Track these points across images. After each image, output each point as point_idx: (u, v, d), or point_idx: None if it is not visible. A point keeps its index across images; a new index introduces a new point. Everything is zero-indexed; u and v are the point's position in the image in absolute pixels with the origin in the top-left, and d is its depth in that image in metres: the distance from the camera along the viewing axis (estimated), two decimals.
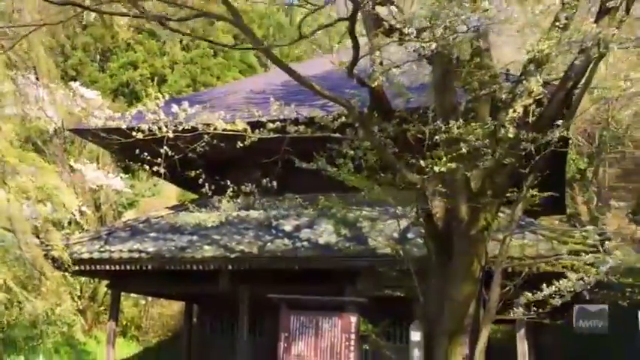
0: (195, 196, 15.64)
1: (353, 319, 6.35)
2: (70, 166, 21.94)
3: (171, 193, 24.49)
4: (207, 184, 10.83)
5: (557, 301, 6.65)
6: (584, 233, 9.44)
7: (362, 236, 12.20)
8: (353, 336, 6.30)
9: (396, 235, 12.02)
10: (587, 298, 7.11)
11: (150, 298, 21.61)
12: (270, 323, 14.66)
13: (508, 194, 7.21)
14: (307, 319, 6.52)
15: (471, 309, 7.18)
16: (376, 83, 6.88)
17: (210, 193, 10.77)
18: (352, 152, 8.95)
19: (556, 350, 15.95)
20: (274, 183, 11.04)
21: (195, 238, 13.34)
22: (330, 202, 9.35)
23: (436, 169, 6.37)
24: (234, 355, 12.95)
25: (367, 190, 8.78)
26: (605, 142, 19.78)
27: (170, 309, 21.62)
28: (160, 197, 24.09)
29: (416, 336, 5.88)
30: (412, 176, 7.17)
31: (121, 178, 22.16)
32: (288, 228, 13.21)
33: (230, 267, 12.40)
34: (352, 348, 6.26)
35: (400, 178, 7.58)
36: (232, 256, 12.24)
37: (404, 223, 12.41)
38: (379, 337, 8.22)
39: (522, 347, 11.02)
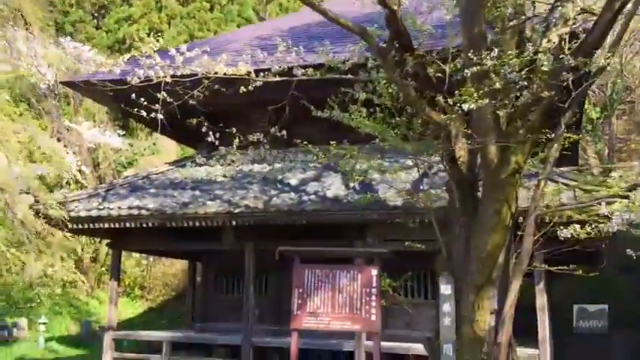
0: (196, 152, 14.93)
1: (374, 272, 5.71)
2: (67, 127, 21.22)
3: (170, 151, 23.77)
4: (208, 137, 10.14)
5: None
6: (610, 180, 8.76)
7: (372, 188, 11.54)
8: (374, 290, 5.68)
9: (407, 186, 11.37)
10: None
11: (152, 258, 21.12)
12: (277, 280, 14.15)
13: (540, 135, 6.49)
14: (323, 272, 5.89)
15: (500, 260, 6.54)
16: (396, 7, 6.10)
17: (215, 142, 10.07)
18: (365, 95, 8.20)
19: (566, 303, 15.50)
20: (281, 133, 10.34)
21: (197, 193, 12.68)
22: (342, 149, 8.59)
23: (465, 106, 5.62)
24: (239, 314, 12.43)
25: (382, 136, 8.04)
26: (617, 92, 18.95)
27: (173, 268, 21.14)
28: (160, 155, 23.36)
29: (446, 289, 5.26)
30: (436, 115, 6.44)
31: (118, 135, 21.39)
32: (294, 182, 12.52)
33: (234, 223, 11.76)
34: (374, 303, 5.64)
35: (421, 118, 6.86)
36: (236, 211, 11.59)
37: (416, 174, 11.76)
38: (397, 292, 7.63)
39: (542, 300, 10.50)
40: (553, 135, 6.47)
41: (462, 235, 6.84)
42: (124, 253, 20.97)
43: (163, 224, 12.07)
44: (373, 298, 5.67)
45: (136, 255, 20.92)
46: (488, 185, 6.42)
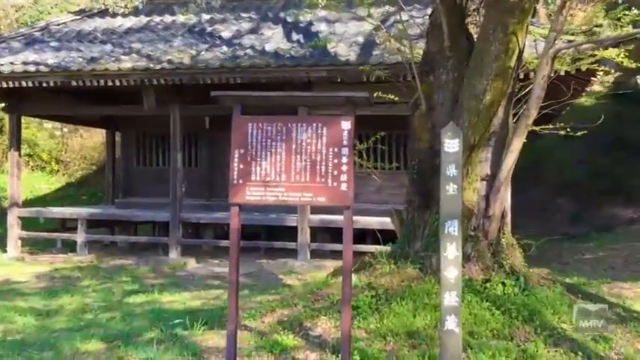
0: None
1: (345, 124, 4.00)
2: None
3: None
4: None
5: None
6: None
7: (319, 41, 9.61)
8: (345, 150, 3.99)
9: (360, 39, 9.53)
10: None
11: (66, 128, 18.66)
12: (208, 149, 12.32)
13: None
14: (274, 127, 4.13)
15: (499, 114, 4.98)
16: None
17: None
18: None
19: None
20: None
21: (108, 47, 10.38)
22: None
23: None
24: (166, 187, 10.66)
25: None
26: None
27: (92, 140, 18.81)
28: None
29: (452, 145, 3.64)
30: None
31: None
32: (226, 34, 10.39)
33: (155, 82, 9.66)
34: (344, 168, 3.98)
35: None
36: (157, 67, 9.47)
37: (368, 27, 9.89)
38: (365, 159, 6.07)
39: None
40: None
41: (450, 82, 5.19)
42: (34, 123, 18.41)
43: (68, 84, 9.80)
44: (344, 160, 4.00)
45: (49, 125, 18.39)
46: (494, 13, 4.68)
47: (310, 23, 10.18)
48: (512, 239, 5.39)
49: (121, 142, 13.27)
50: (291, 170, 4.11)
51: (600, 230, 13.91)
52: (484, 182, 5.14)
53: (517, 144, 4.90)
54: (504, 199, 5.15)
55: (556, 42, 4.58)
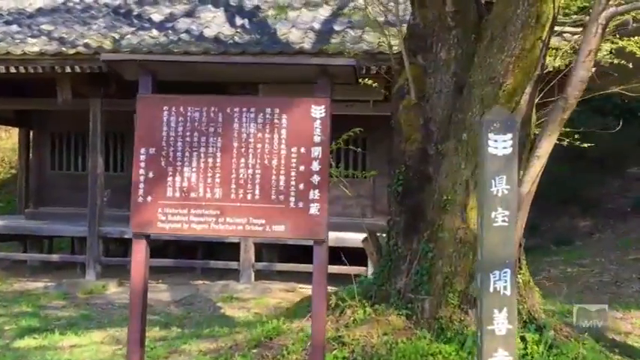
0: None
1: (318, 110, 2.43)
2: None
3: None
4: None
5: None
6: None
7: (267, 27, 8.05)
8: (318, 151, 2.43)
9: (316, 25, 8.02)
10: None
11: None
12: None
13: None
14: (203, 113, 2.55)
15: (522, 104, 3.54)
16: None
17: None
18: None
19: None
20: None
21: (14, 28, 8.48)
22: None
23: None
24: (85, 196, 8.80)
25: None
26: None
27: (11, 141, 16.51)
28: None
29: (502, 144, 2.14)
30: None
31: None
32: (157, 17, 8.65)
33: (70, 70, 7.82)
34: (316, 178, 2.41)
35: None
36: (71, 51, 7.65)
37: (324, 12, 8.44)
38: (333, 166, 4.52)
39: None
40: None
41: (452, 61, 3.71)
42: None
43: None
44: (315, 167, 2.44)
45: None
46: None
47: (257, 7, 8.59)
48: (528, 275, 3.95)
49: (32, 142, 11.19)
50: (230, 182, 2.53)
51: (559, 243, 12.94)
52: None
53: (547, 146, 3.48)
54: (524, 221, 3.70)
55: (609, 3, 3.18)
